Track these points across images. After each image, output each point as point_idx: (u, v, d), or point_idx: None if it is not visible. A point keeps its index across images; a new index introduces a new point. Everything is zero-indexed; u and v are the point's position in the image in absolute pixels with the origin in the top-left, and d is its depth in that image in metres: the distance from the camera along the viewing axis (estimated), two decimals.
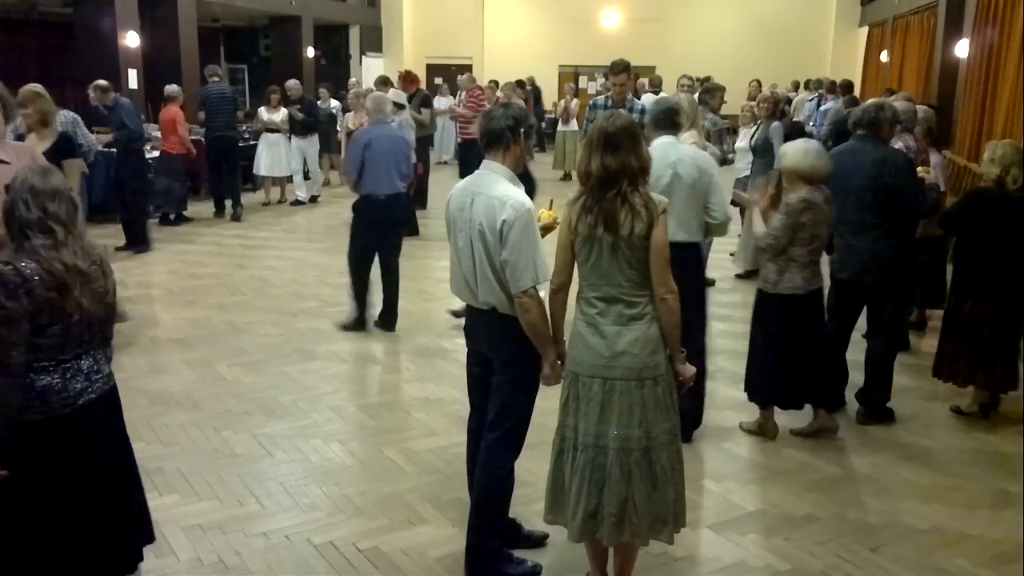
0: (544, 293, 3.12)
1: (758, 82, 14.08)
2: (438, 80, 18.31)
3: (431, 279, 7.99)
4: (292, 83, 11.94)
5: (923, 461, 4.44)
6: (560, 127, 15.20)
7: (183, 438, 4.59)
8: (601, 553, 3.18)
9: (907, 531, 3.77)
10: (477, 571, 3.33)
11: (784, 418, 4.92)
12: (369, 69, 19.78)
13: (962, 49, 11.58)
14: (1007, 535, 3.75)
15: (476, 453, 3.35)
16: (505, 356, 3.18)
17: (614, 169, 2.90)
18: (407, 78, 11.17)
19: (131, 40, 11.30)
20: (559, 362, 3.14)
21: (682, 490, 3.11)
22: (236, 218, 10.67)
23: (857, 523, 3.82)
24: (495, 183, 3.08)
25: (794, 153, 4.34)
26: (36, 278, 2.50)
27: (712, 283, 7.15)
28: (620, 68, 6.32)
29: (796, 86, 15.31)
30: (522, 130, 3.12)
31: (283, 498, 3.97)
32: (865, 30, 19.10)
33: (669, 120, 4.37)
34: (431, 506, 3.90)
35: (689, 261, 4.20)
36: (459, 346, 6.12)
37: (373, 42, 20.75)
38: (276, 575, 3.40)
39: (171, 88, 10.12)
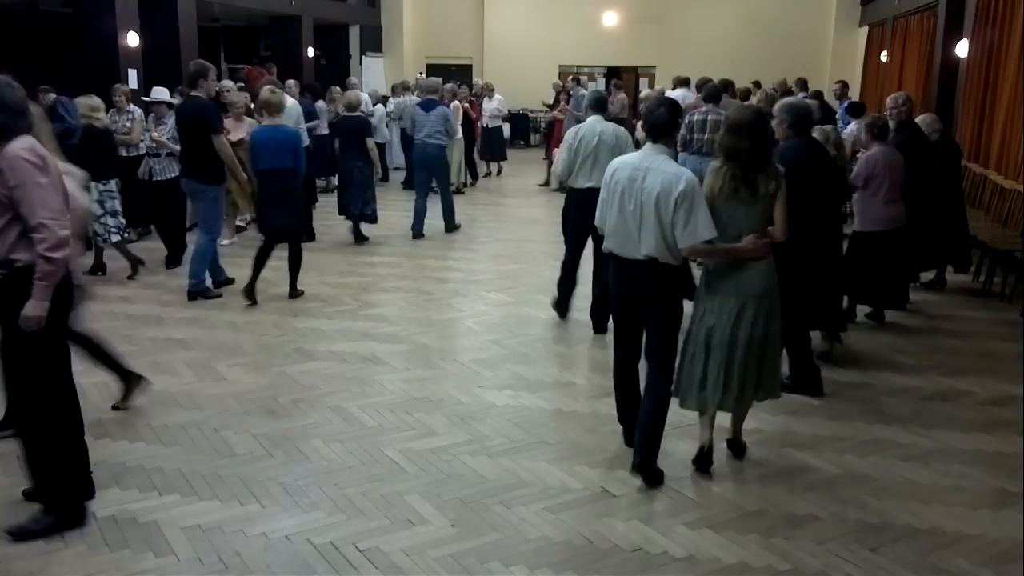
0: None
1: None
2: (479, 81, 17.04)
3: (431, 279, 8.00)
4: (227, 84, 10.35)
5: (923, 461, 4.44)
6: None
7: (183, 438, 4.59)
8: (712, 418, 4.21)
9: (907, 531, 3.77)
10: (648, 465, 4.10)
11: (792, 420, 4.92)
12: (369, 69, 19.78)
13: (962, 49, 11.58)
14: (1007, 535, 3.75)
15: (625, 384, 4.36)
16: (664, 298, 4.05)
17: (756, 148, 3.94)
18: (252, 76, 11.10)
19: (131, 40, 11.29)
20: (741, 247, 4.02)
21: (779, 369, 4.34)
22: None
23: (857, 523, 3.82)
24: (665, 162, 3.94)
25: None
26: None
27: None
28: None
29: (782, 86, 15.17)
30: (680, 120, 4.21)
31: (283, 498, 3.97)
32: (865, 30, 19.09)
33: (600, 104, 6.39)
34: (431, 506, 3.90)
35: None
36: (459, 346, 6.14)
37: (373, 42, 20.74)
38: (276, 575, 3.40)
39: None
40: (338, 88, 13.13)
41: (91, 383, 5.33)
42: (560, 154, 6.34)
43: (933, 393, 5.37)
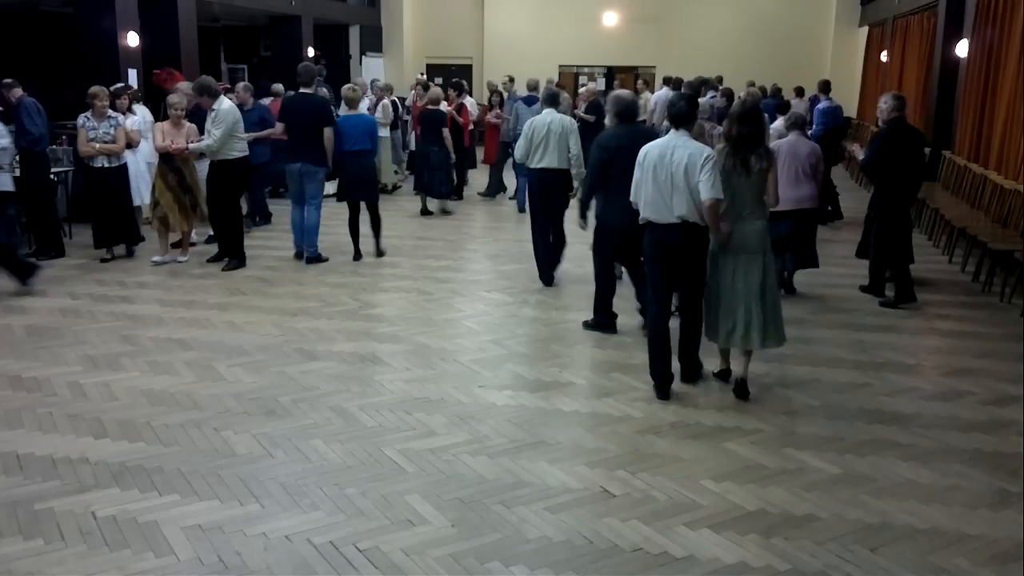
0: None
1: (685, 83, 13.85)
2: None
3: (431, 279, 8.00)
4: (184, 85, 9.44)
5: (923, 461, 4.44)
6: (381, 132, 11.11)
7: (183, 438, 4.59)
8: (728, 351, 5.35)
9: (907, 531, 3.77)
10: (692, 374, 5.37)
11: (792, 420, 4.93)
12: (369, 69, 19.77)
13: (962, 49, 11.58)
14: (1007, 535, 3.74)
15: (659, 338, 5.18)
16: (695, 254, 5.08)
17: (747, 134, 4.98)
18: (160, 79, 10.68)
19: (131, 40, 11.30)
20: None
21: (780, 318, 5.17)
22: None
23: (857, 523, 3.82)
24: (688, 141, 4.98)
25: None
26: None
27: None
28: None
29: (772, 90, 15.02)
30: (696, 112, 5.23)
31: (283, 498, 3.97)
32: (865, 30, 19.10)
33: (553, 99, 7.86)
34: (431, 506, 3.90)
35: (561, 181, 7.50)
36: (459, 346, 6.15)
37: (373, 42, 20.75)
38: (276, 575, 3.40)
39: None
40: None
41: (91, 383, 5.33)
42: (520, 140, 7.72)
43: (933, 393, 5.37)
